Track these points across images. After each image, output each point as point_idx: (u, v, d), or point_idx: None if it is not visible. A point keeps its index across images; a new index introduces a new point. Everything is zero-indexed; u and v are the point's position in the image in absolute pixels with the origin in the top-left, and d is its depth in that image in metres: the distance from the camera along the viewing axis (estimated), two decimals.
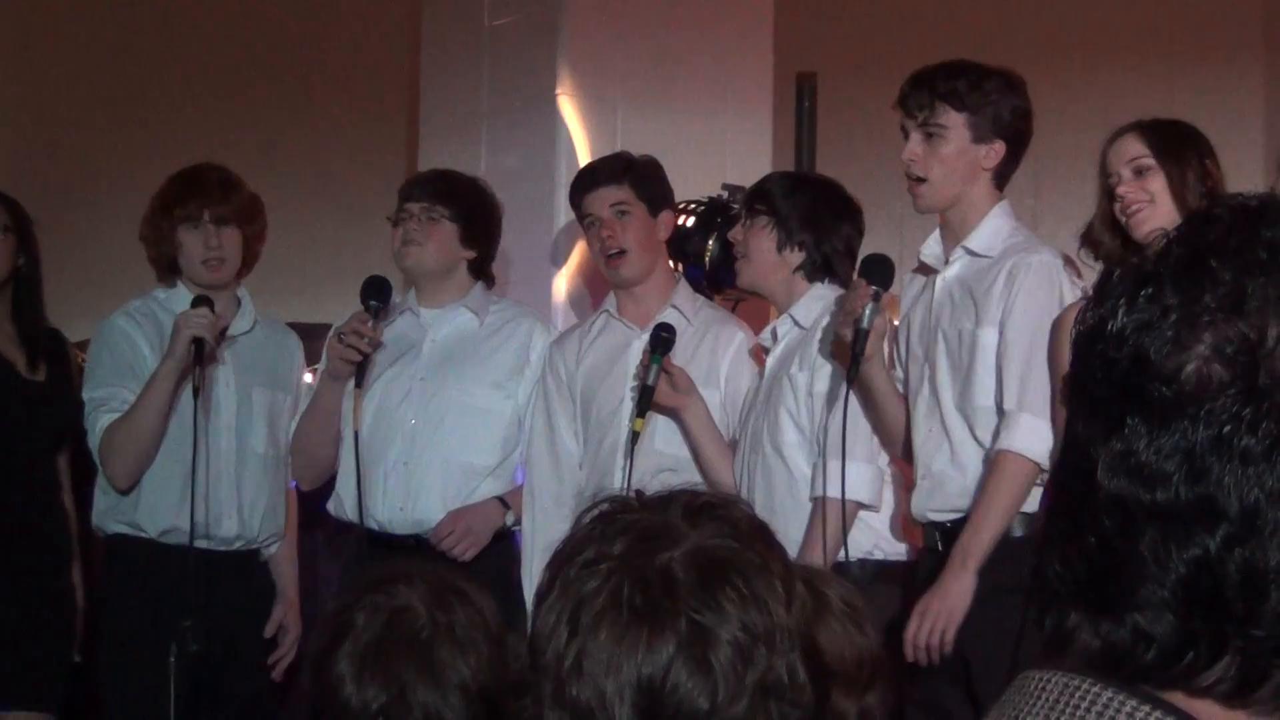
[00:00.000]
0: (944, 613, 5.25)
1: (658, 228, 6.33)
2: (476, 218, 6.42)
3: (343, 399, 6.27)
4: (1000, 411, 5.33)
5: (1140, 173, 5.30)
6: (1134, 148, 5.35)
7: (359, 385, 6.19)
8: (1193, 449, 1.23)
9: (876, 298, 5.43)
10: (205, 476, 6.13)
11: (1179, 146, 5.34)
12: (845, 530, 5.57)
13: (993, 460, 5.29)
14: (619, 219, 6.23)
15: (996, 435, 5.31)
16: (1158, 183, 5.27)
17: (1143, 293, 1.28)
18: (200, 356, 5.98)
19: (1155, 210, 5.20)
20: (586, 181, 6.36)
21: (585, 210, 6.32)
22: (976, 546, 5.25)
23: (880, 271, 5.53)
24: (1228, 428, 1.22)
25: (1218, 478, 1.22)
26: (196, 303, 6.06)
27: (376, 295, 6.20)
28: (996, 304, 5.38)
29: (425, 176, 6.55)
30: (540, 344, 6.44)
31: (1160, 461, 1.25)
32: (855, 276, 5.64)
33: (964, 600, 5.23)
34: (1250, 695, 1.24)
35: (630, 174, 6.28)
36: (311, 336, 6.70)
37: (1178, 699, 1.26)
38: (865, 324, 5.38)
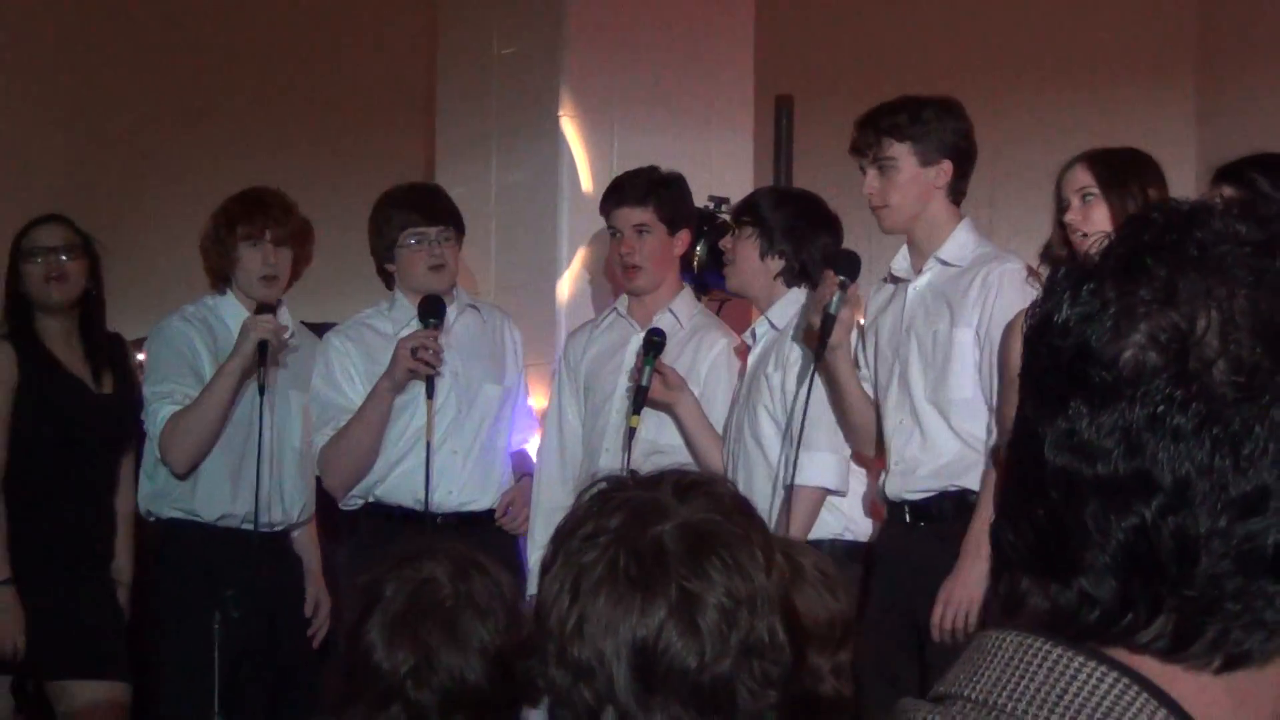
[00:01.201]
0: (965, 599, 5.28)
1: (674, 244, 6.36)
2: (463, 227, 6.48)
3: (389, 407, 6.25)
4: (991, 408, 5.36)
5: (1086, 200, 5.33)
6: (1082, 178, 5.38)
7: (430, 396, 6.12)
8: (1130, 427, 1.23)
9: (843, 287, 5.51)
10: (243, 469, 6.13)
11: (1124, 177, 5.37)
12: (814, 513, 5.68)
13: (994, 454, 5.31)
14: (638, 237, 6.25)
15: (990, 432, 5.34)
16: (1100, 212, 5.29)
17: (1085, 287, 1.28)
18: (264, 357, 6.00)
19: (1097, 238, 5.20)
20: (615, 197, 6.36)
21: (611, 222, 6.35)
22: (984, 536, 5.22)
23: (848, 264, 5.61)
24: (1161, 408, 1.22)
25: (1152, 453, 1.22)
26: (260, 308, 6.09)
27: (435, 313, 6.19)
28: (972, 307, 5.44)
29: (424, 203, 6.47)
30: (516, 336, 6.55)
31: (1100, 439, 1.24)
32: (827, 270, 5.66)
33: (981, 585, 5.24)
34: (1185, 650, 1.23)
35: (654, 196, 6.27)
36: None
37: (1120, 655, 1.25)
38: (833, 310, 5.47)
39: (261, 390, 6.05)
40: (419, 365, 6.08)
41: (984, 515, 5.23)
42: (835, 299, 5.48)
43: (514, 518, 6.31)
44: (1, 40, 9.73)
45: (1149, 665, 1.25)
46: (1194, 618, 1.23)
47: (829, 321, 5.47)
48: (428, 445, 6.11)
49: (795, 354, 5.78)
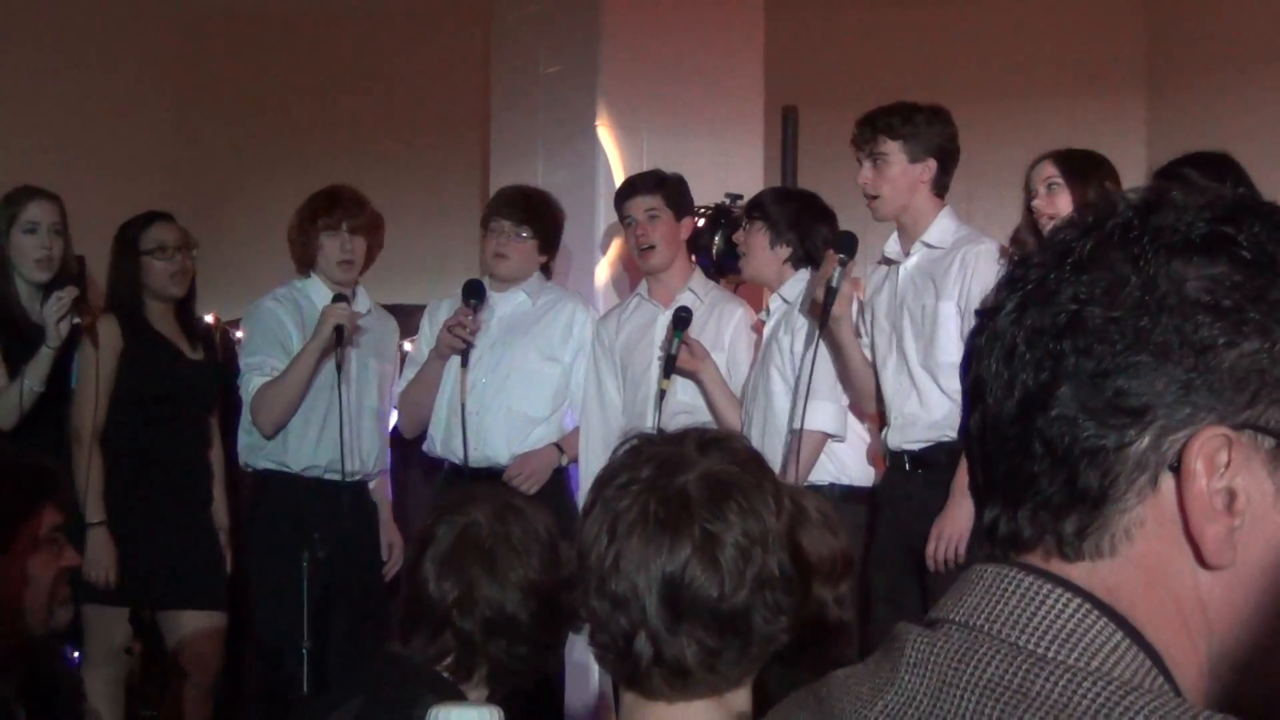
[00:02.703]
0: (955, 534, 5.36)
1: (680, 230, 6.42)
2: (553, 234, 6.50)
3: (443, 372, 6.32)
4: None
5: (1051, 189, 5.43)
6: (1049, 171, 5.51)
7: (464, 365, 6.23)
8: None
9: (842, 264, 5.56)
10: (326, 427, 6.17)
11: (1084, 171, 5.50)
12: (814, 455, 5.76)
13: None
14: (650, 221, 6.33)
15: None
16: (1064, 199, 5.42)
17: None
18: (340, 339, 6.03)
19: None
20: (627, 190, 6.44)
21: (625, 213, 6.41)
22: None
23: (847, 243, 5.66)
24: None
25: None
26: (337, 298, 6.13)
27: (475, 295, 6.24)
28: (953, 283, 5.50)
29: (512, 198, 6.52)
30: (581, 320, 6.50)
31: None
32: (828, 250, 5.71)
33: (968, 521, 5.27)
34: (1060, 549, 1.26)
35: (662, 188, 6.37)
36: (401, 314, 6.76)
37: (1054, 565, 1.26)
38: (834, 284, 5.53)
39: (339, 367, 6.09)
40: (453, 340, 6.18)
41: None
42: (836, 274, 5.54)
43: (514, 477, 6.25)
44: (118, 57, 9.76)
45: (1065, 569, 1.26)
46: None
47: (831, 295, 5.53)
48: (462, 409, 6.18)
49: (802, 321, 5.84)
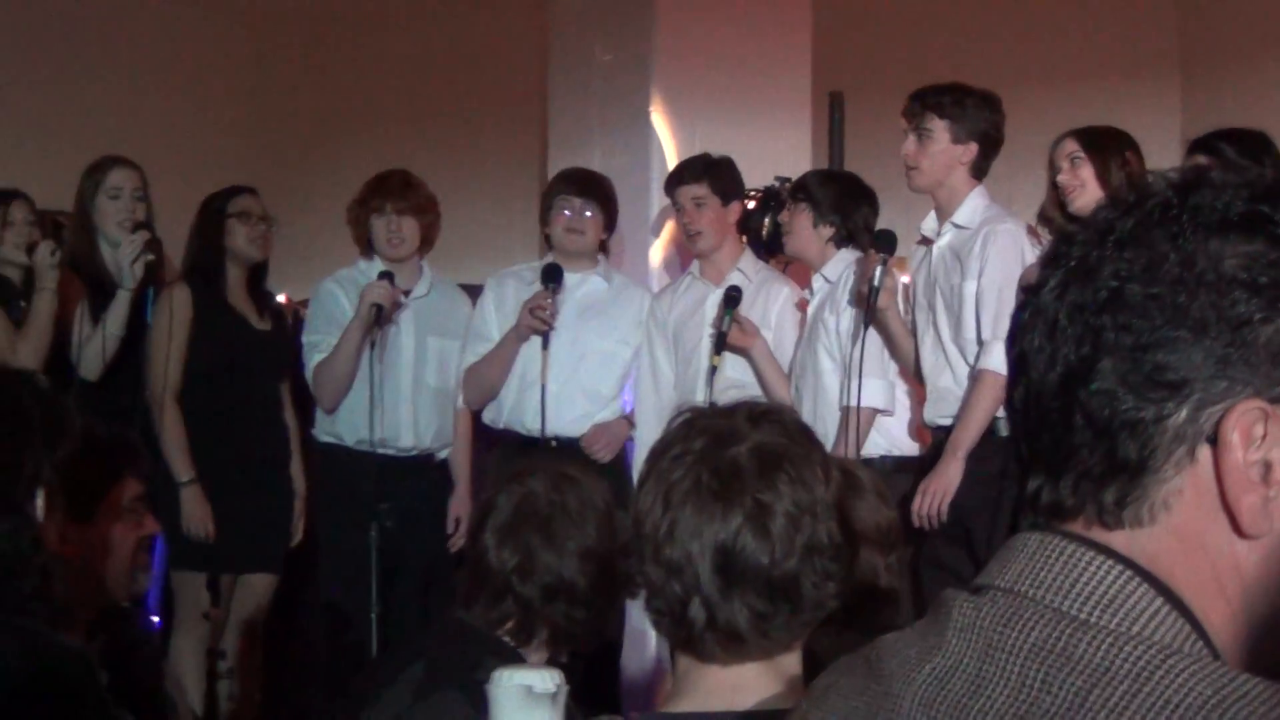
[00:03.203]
0: (939, 490, 5.41)
1: (728, 214, 6.41)
2: (613, 215, 6.49)
3: (518, 351, 6.29)
4: (979, 341, 5.38)
5: (1074, 163, 5.39)
6: (1070, 146, 5.48)
7: (545, 347, 6.19)
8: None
9: (884, 262, 5.57)
10: (384, 403, 6.15)
11: (1104, 144, 5.48)
12: (866, 429, 5.74)
13: (973, 376, 5.43)
14: (696, 209, 6.34)
15: (977, 358, 5.35)
16: (1086, 170, 5.39)
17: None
18: (379, 317, 6.04)
19: (1085, 191, 5.37)
20: (675, 178, 6.45)
21: (675, 199, 6.43)
22: (963, 440, 5.40)
23: (887, 242, 5.67)
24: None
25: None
26: (381, 276, 6.13)
27: (554, 278, 6.22)
28: (975, 262, 5.49)
29: (579, 178, 6.53)
30: (641, 302, 6.53)
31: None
32: (869, 249, 5.74)
33: (954, 480, 5.40)
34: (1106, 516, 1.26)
35: (709, 174, 6.36)
36: (470, 293, 6.72)
37: (1096, 533, 1.26)
38: (876, 283, 5.53)
39: (372, 345, 6.08)
40: (535, 322, 6.14)
41: (964, 424, 5.40)
42: (878, 272, 5.54)
43: (592, 445, 6.27)
44: (196, 46, 9.82)
45: (1109, 537, 1.25)
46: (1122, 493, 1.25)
47: (874, 293, 5.54)
48: (543, 386, 6.14)
49: (846, 301, 5.82)
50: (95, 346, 5.96)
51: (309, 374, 6.23)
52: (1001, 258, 5.40)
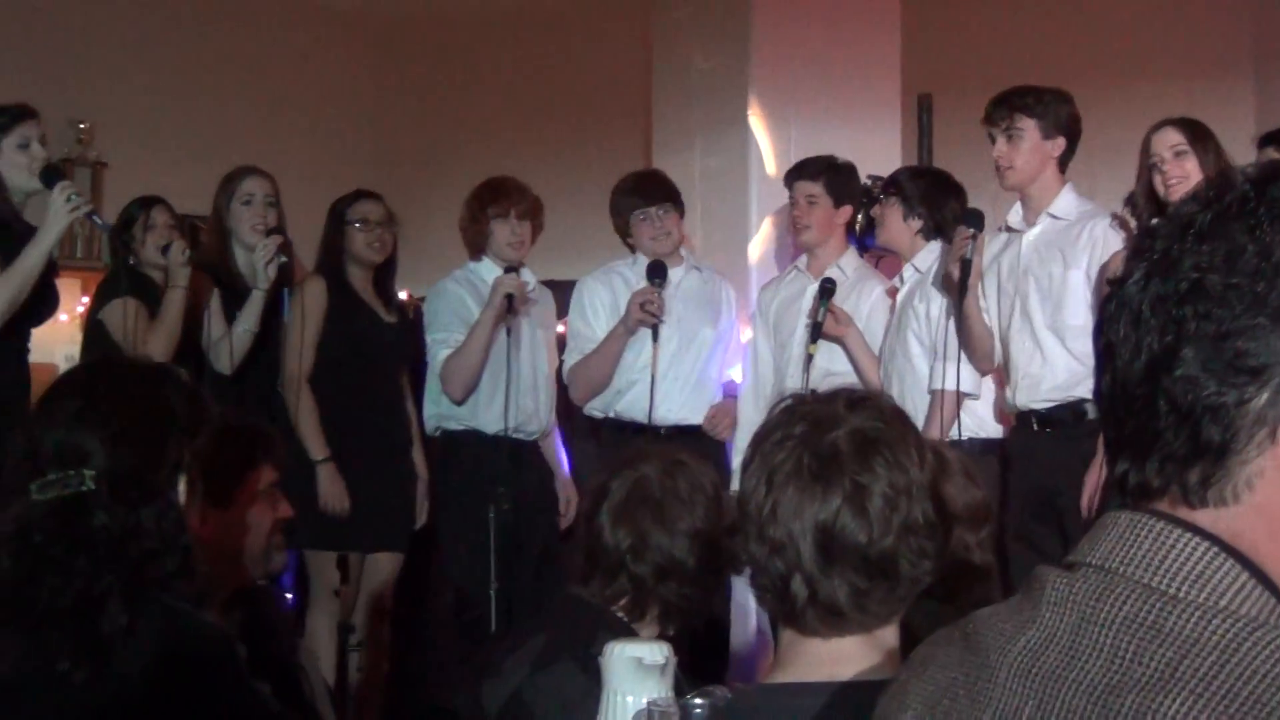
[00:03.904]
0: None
1: (838, 215, 6.38)
2: (680, 199, 6.49)
3: (626, 345, 6.32)
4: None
5: (1179, 155, 5.27)
6: (1174, 137, 5.32)
7: (655, 340, 6.22)
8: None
9: (974, 238, 5.50)
10: (517, 391, 6.18)
11: (1205, 138, 5.33)
12: (954, 412, 5.66)
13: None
14: (809, 205, 6.32)
15: None
16: (1191, 164, 5.25)
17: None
18: (511, 307, 6.06)
19: (1189, 184, 5.18)
20: (795, 172, 6.43)
21: (791, 192, 6.40)
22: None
23: (976, 220, 5.58)
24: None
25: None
26: (507, 270, 6.14)
27: (659, 275, 6.24)
28: (1081, 252, 5.42)
29: (653, 184, 6.52)
30: (731, 294, 6.57)
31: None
32: (960, 226, 5.66)
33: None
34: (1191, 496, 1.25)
35: (825, 175, 6.33)
36: (569, 291, 6.71)
37: (1182, 511, 1.25)
38: (968, 256, 5.49)
39: (509, 332, 6.12)
40: (645, 316, 6.16)
41: None
42: (970, 248, 5.49)
43: (715, 427, 6.32)
44: (325, 62, 9.93)
45: (1192, 515, 1.25)
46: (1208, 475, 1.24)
47: (966, 266, 5.49)
48: (652, 376, 6.15)
49: (934, 290, 5.78)
50: (227, 343, 6.03)
51: (436, 367, 6.23)
52: (1111, 249, 5.34)
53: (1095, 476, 5.23)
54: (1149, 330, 1.26)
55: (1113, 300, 1.31)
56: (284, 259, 6.05)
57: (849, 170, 6.40)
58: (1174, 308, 1.24)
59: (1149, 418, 1.26)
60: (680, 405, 6.32)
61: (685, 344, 6.35)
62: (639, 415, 6.23)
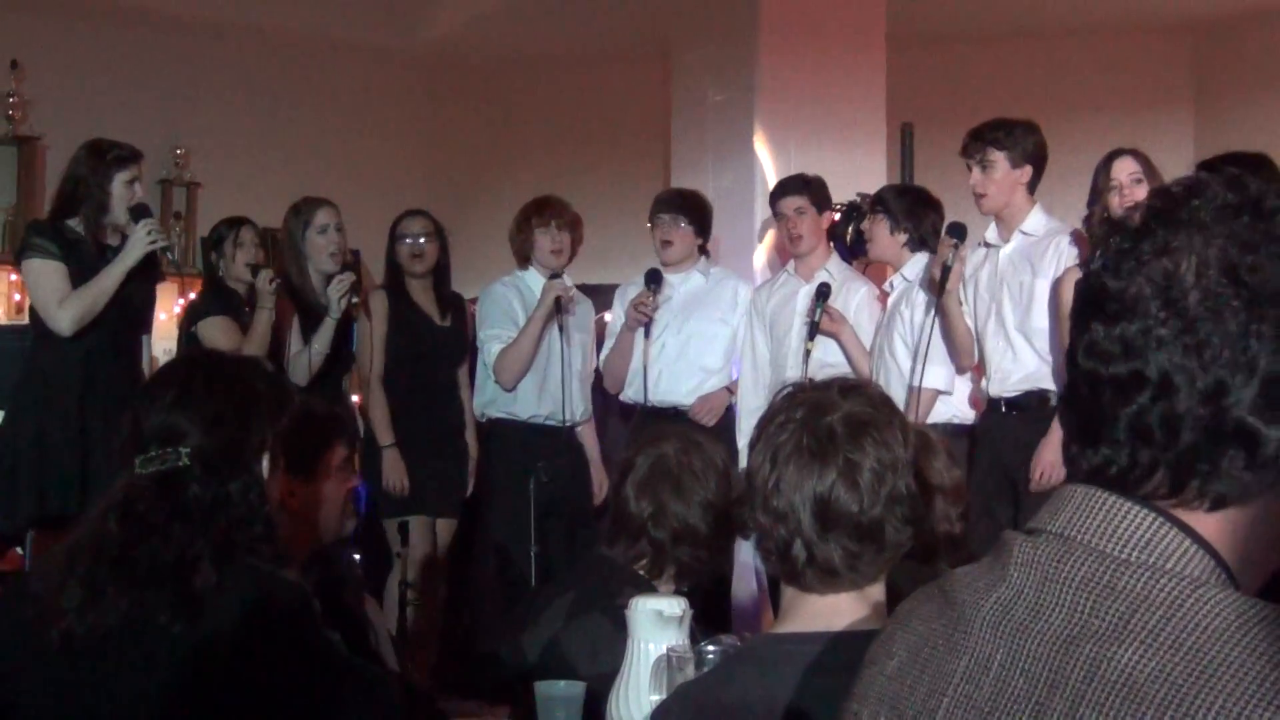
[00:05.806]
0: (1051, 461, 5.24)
1: (822, 221, 6.38)
2: (706, 221, 6.45)
3: (635, 340, 6.33)
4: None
5: (1137, 182, 5.28)
6: (1131, 166, 5.34)
7: (647, 337, 6.27)
8: (1128, 338, 1.22)
9: (955, 247, 5.49)
10: (570, 380, 6.23)
11: (1154, 170, 5.34)
12: (928, 407, 5.66)
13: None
14: (798, 216, 6.30)
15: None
16: (1143, 190, 5.23)
17: (1113, 244, 1.27)
18: (559, 307, 6.10)
19: None
20: (780, 191, 6.40)
21: (778, 209, 6.37)
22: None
23: (958, 231, 5.57)
24: (1150, 323, 1.21)
25: (1143, 356, 1.21)
26: (553, 276, 6.16)
27: (653, 280, 6.28)
28: (1048, 264, 5.40)
29: (669, 198, 6.52)
30: (743, 293, 6.50)
31: (1109, 346, 1.23)
32: (943, 235, 5.66)
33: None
34: (1178, 496, 1.22)
35: (807, 188, 6.32)
36: (605, 291, 6.76)
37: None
38: (949, 263, 5.47)
39: (561, 329, 6.18)
40: (638, 315, 6.23)
41: None
42: (951, 255, 5.48)
43: (699, 414, 6.27)
44: (381, 100, 9.93)
45: (1160, 506, 1.23)
46: (1179, 474, 1.22)
47: (946, 272, 5.47)
48: (645, 365, 6.23)
49: (920, 297, 5.76)
50: (304, 360, 6.05)
51: (490, 360, 6.25)
52: (1070, 260, 5.33)
53: (1047, 455, 5.23)
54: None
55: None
56: (355, 299, 6.09)
57: (821, 182, 6.40)
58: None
59: (1102, 406, 1.26)
60: (689, 389, 6.32)
61: (687, 337, 6.34)
62: (650, 399, 6.25)
